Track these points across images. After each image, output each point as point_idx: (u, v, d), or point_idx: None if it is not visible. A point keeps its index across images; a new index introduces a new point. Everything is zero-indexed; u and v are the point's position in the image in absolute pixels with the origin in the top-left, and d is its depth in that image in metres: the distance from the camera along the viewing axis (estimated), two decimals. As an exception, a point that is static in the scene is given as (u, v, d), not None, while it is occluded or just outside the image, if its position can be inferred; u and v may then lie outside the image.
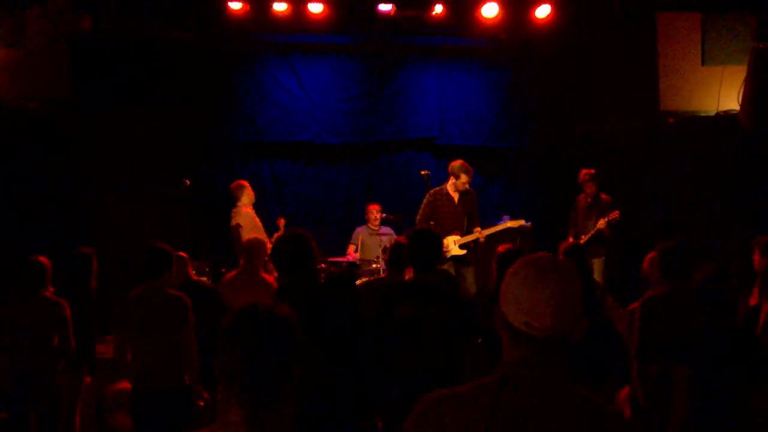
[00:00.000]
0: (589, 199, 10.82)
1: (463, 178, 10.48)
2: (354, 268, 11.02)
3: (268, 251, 8.68)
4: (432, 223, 10.29)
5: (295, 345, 2.33)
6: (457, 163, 10.59)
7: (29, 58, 10.60)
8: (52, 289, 6.89)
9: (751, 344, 5.15)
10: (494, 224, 10.93)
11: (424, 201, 10.68)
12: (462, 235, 10.39)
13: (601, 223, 10.43)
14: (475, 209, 10.75)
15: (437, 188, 10.72)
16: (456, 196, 10.58)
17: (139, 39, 11.27)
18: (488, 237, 10.48)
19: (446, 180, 10.72)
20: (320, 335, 4.48)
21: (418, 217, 10.63)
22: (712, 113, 10.99)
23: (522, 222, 10.76)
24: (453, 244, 10.37)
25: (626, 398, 6.47)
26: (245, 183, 10.80)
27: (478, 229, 10.49)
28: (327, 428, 4.51)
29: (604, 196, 10.79)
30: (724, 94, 10.76)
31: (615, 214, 10.40)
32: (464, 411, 2.23)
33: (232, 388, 2.28)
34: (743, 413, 5.04)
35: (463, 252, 10.36)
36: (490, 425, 2.18)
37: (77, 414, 7.32)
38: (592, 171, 10.83)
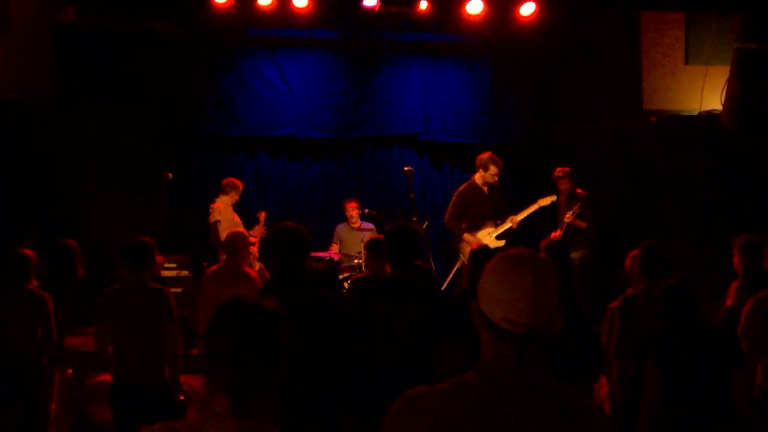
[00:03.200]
0: (564, 197, 10.81)
1: (492, 169, 10.37)
2: (335, 264, 11.04)
3: (249, 246, 8.70)
4: (463, 223, 10.29)
5: (280, 337, 2.38)
6: (485, 155, 10.47)
7: (12, 49, 10.53)
8: (36, 283, 6.86)
9: (728, 344, 5.20)
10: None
11: (453, 199, 10.60)
12: (495, 227, 10.37)
13: (569, 216, 10.35)
14: (503, 204, 10.63)
15: (465, 184, 10.67)
16: (485, 189, 10.49)
17: (123, 31, 11.22)
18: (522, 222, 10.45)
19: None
20: (307, 330, 4.48)
21: (447, 216, 10.58)
22: (695, 113, 11.02)
23: (553, 197, 10.58)
24: (489, 236, 10.30)
25: (606, 396, 6.50)
26: (239, 184, 10.77)
27: (511, 216, 10.41)
28: (313, 422, 4.51)
29: (579, 190, 10.76)
30: (707, 94, 10.80)
31: (576, 207, 10.38)
32: (445, 408, 2.21)
33: (218, 379, 2.31)
34: (717, 412, 5.08)
35: (502, 243, 10.25)
36: (472, 423, 2.18)
37: (58, 407, 7.30)
38: (567, 168, 10.78)
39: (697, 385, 5.02)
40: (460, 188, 10.64)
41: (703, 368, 5.07)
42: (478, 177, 10.51)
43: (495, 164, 10.37)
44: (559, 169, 10.84)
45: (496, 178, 10.45)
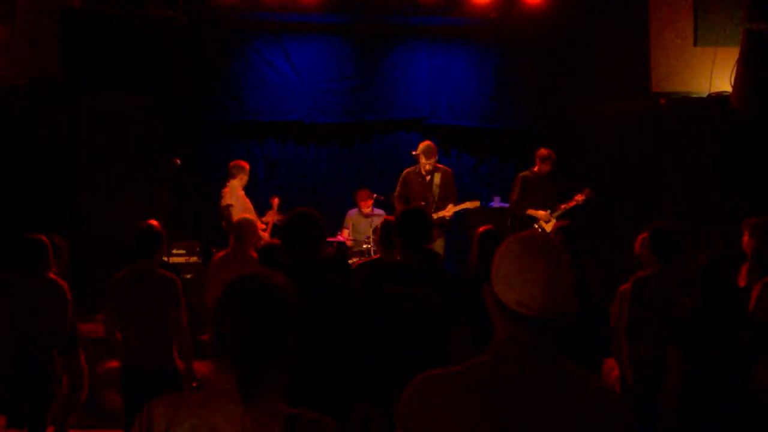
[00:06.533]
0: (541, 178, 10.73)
1: (422, 159, 10.64)
2: (344, 249, 11.05)
3: (259, 231, 8.70)
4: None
5: (290, 315, 2.34)
6: (423, 144, 10.79)
7: (19, 36, 10.51)
8: (55, 270, 6.83)
9: (743, 325, 5.16)
10: (483, 204, 11.34)
11: (399, 179, 10.95)
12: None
13: (580, 197, 10.40)
14: (443, 191, 10.77)
15: (411, 167, 10.93)
16: (426, 176, 10.75)
17: (129, 17, 11.19)
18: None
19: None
20: (316, 314, 4.47)
21: (394, 194, 10.94)
22: (704, 95, 10.97)
23: (477, 203, 10.94)
24: None
25: (616, 379, 6.49)
26: (245, 165, 10.78)
27: (450, 206, 10.60)
28: (322, 409, 4.49)
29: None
30: (717, 76, 10.73)
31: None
32: (458, 391, 2.21)
33: (226, 355, 2.30)
34: (734, 394, 5.05)
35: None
36: (486, 405, 2.17)
37: (74, 394, 7.32)
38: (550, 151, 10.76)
39: (722, 371, 4.97)
40: (405, 171, 10.92)
41: (730, 352, 5.02)
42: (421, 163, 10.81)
43: (425, 156, 10.59)
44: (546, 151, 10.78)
45: (428, 167, 10.63)
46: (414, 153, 10.79)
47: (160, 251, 6.50)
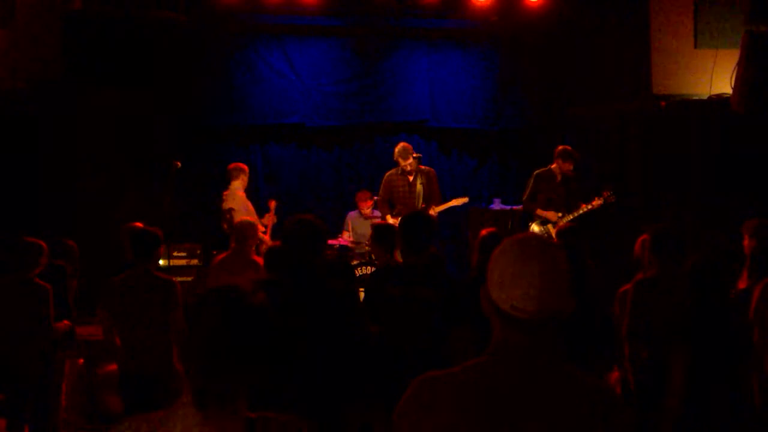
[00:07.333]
0: (560, 177, 10.51)
1: (401, 162, 10.69)
2: (345, 252, 11.05)
3: (259, 234, 8.70)
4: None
5: (256, 337, 2.30)
6: (398, 146, 10.84)
7: (19, 38, 10.50)
8: (37, 271, 6.82)
9: (743, 326, 5.16)
10: (483, 206, 11.35)
11: (381, 184, 10.99)
12: None
13: (597, 201, 10.25)
14: (428, 191, 10.72)
15: (392, 170, 10.96)
16: (409, 177, 10.75)
17: (130, 19, 11.19)
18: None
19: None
20: (320, 319, 4.48)
21: (378, 200, 11.00)
22: (705, 97, 10.96)
23: (465, 199, 11.04)
24: None
25: (617, 381, 6.48)
26: (244, 167, 10.77)
27: (433, 206, 10.62)
28: (324, 413, 4.50)
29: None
30: (717, 78, 10.73)
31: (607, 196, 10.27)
32: (456, 393, 2.21)
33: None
34: (736, 397, 5.05)
35: None
36: (484, 406, 2.18)
37: (69, 396, 7.30)
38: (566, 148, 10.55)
39: (721, 372, 4.97)
40: (387, 173, 10.97)
41: (728, 350, 5.02)
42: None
43: (401, 158, 10.65)
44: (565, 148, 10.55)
45: (408, 168, 10.65)
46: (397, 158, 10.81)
47: (158, 254, 6.49)
